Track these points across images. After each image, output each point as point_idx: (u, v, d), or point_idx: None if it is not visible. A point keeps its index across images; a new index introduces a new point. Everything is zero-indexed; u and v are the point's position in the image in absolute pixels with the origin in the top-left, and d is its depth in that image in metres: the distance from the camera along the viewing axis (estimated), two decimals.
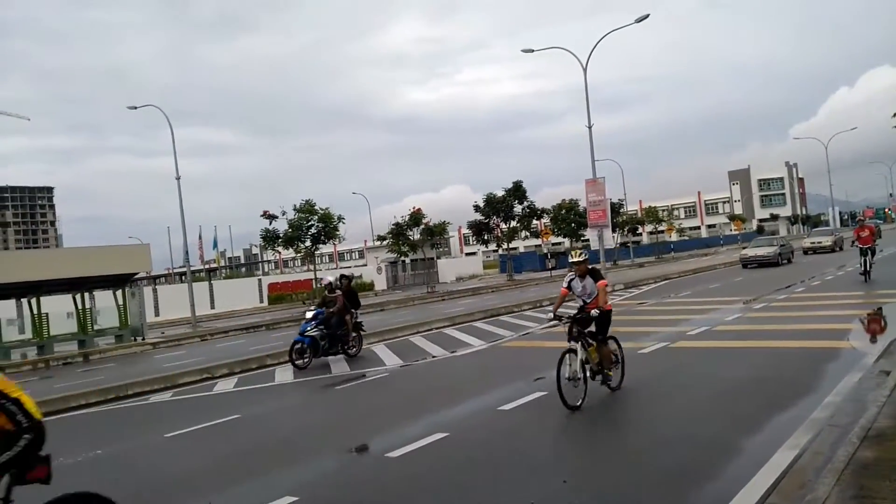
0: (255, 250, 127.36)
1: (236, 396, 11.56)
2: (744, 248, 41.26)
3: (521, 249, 79.05)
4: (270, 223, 32.37)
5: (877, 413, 6.04)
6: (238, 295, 45.15)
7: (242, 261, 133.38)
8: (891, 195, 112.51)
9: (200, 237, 47.42)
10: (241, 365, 14.45)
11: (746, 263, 32.75)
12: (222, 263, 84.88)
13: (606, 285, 8.92)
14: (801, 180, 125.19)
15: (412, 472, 6.11)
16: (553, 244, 59.97)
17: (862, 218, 27.93)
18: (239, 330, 26.53)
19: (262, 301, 46.03)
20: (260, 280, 49.92)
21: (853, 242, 20.22)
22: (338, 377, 12.23)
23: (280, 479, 6.43)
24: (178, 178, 30.72)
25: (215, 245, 58.84)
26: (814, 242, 39.74)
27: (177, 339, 25.31)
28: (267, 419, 9.40)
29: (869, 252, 19.46)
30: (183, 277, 48.77)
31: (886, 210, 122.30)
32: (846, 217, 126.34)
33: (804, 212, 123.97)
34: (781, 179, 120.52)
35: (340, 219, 32.67)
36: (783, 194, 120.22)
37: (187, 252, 33.56)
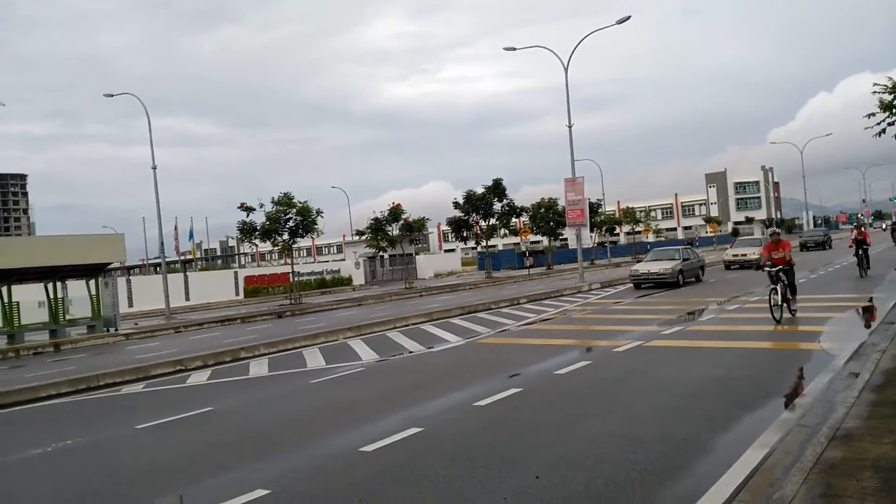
0: (232, 243, 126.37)
1: (209, 389, 11.46)
2: (638, 260, 36.20)
3: (500, 247, 79.39)
4: (248, 215, 32.00)
5: (845, 414, 6.14)
6: (214, 287, 44.74)
7: (219, 253, 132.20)
8: (863, 201, 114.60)
9: (176, 228, 46.80)
10: (215, 357, 14.32)
11: (639, 283, 25.65)
12: (198, 255, 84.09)
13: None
14: (776, 184, 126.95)
15: (385, 467, 6.10)
16: (532, 242, 60.26)
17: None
18: (214, 322, 26.28)
19: (238, 294, 45.65)
20: (236, 272, 49.44)
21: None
22: (313, 371, 12.17)
23: (252, 472, 6.38)
24: (154, 168, 30.33)
25: (191, 236, 58.19)
26: (736, 255, 32.81)
27: (150, 330, 25.01)
28: (240, 412, 9.33)
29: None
30: (158, 269, 48.25)
31: (859, 216, 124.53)
32: (820, 221, 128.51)
33: (779, 216, 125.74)
34: (757, 183, 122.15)
35: (319, 212, 32.40)
36: (758, 198, 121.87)
37: (162, 243, 33.17)
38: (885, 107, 11.23)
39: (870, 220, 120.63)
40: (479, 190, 46.71)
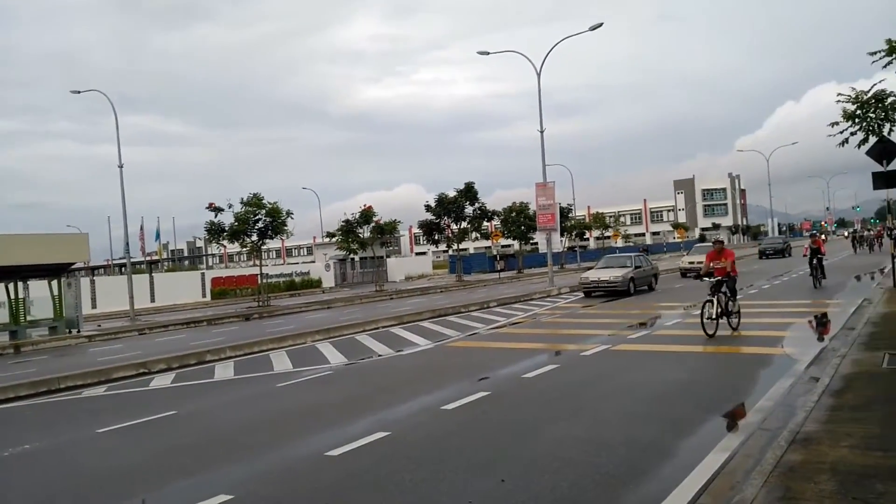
0: (200, 243, 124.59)
1: (173, 392, 11.28)
2: (588, 268, 33.50)
3: (472, 250, 79.56)
4: (216, 216, 31.58)
5: (805, 418, 6.26)
6: (180, 288, 44.08)
7: (186, 254, 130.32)
8: (827, 209, 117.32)
9: (142, 228, 46.09)
10: (180, 360, 14.11)
11: (589, 291, 24.43)
12: (165, 256, 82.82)
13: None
14: (742, 191, 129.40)
15: (351, 471, 6.06)
16: (503, 246, 60.40)
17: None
18: (179, 324, 25.89)
19: (204, 295, 45.03)
20: (203, 274, 48.78)
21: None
22: (280, 374, 12.05)
23: (216, 476, 6.30)
24: (120, 167, 29.81)
25: (158, 237, 57.32)
26: (693, 262, 30.95)
27: (114, 332, 24.54)
28: (204, 416, 9.20)
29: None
30: (123, 269, 47.41)
31: (823, 223, 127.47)
32: (784, 229, 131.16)
33: (745, 222, 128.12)
34: (724, 190, 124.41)
35: (289, 214, 32.13)
36: (725, 204, 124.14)
37: (128, 243, 32.58)
38: (849, 116, 11.52)
39: (833, 228, 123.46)
40: (452, 193, 46.81)
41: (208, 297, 44.79)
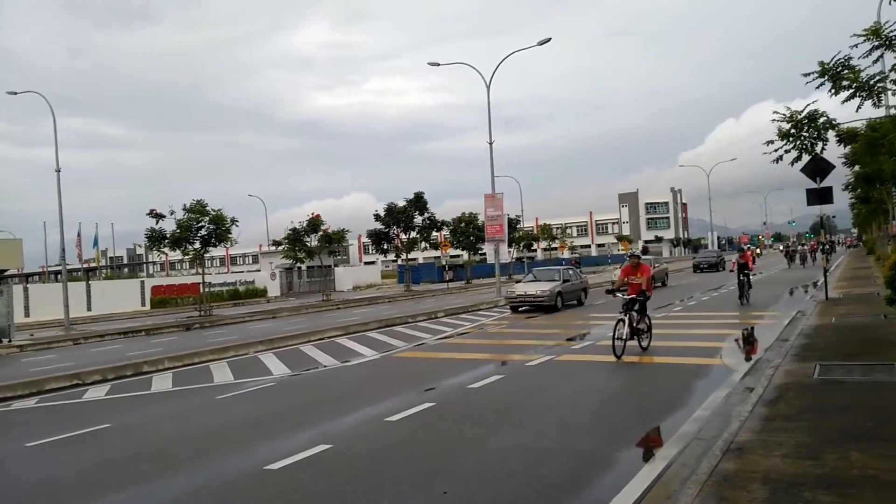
0: (140, 251, 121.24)
1: (108, 404, 10.89)
2: (517, 281, 32.19)
3: (421, 260, 79.47)
4: (157, 222, 30.75)
5: (739, 427, 6.44)
6: (118, 297, 42.75)
7: (125, 261, 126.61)
8: (764, 223, 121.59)
9: (79, 234, 44.63)
10: (116, 371, 13.65)
11: (516, 306, 23.19)
12: (103, 263, 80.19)
13: None
14: (684, 205, 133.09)
15: (291, 485, 5.94)
16: (452, 256, 60.59)
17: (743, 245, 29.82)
18: (116, 334, 25.06)
19: (144, 304, 43.76)
20: (143, 282, 47.40)
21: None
22: (220, 386, 11.77)
23: (151, 491, 6.10)
24: (58, 171, 28.77)
25: (96, 243, 55.52)
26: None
27: (47, 341, 23.59)
28: (140, 428, 8.90)
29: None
30: (58, 276, 45.68)
31: (760, 237, 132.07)
32: (724, 242, 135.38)
33: (686, 235, 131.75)
34: (666, 204, 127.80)
35: (234, 221, 31.52)
36: (668, 218, 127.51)
37: (64, 249, 31.42)
38: (783, 135, 11.95)
39: (770, 242, 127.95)
40: (401, 203, 46.75)
41: (148, 307, 43.54)
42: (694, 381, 9.67)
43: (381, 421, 8.13)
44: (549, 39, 30.99)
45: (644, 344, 12.24)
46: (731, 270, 22.81)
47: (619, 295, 12.37)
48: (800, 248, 55.74)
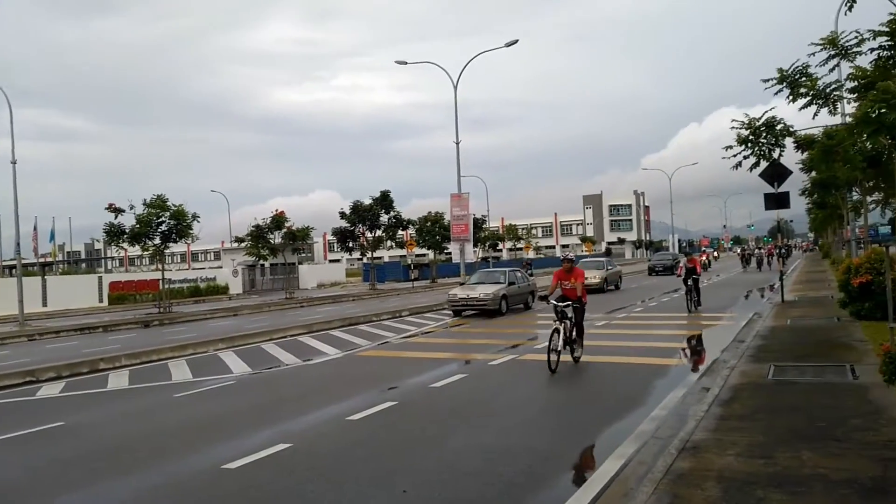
0: (99, 245, 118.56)
1: (62, 402, 10.64)
2: (461, 283, 30.04)
3: (386, 259, 79.40)
4: (116, 217, 30.02)
5: (695, 427, 6.56)
6: (75, 293, 41.70)
7: (83, 256, 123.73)
8: (724, 226, 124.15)
9: (35, 228, 43.45)
10: (71, 368, 13.33)
11: (459, 310, 21.89)
12: (60, 258, 78.28)
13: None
14: (647, 208, 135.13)
15: (249, 484, 5.87)
16: (417, 255, 60.56)
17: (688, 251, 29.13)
18: (73, 330, 24.47)
19: (102, 301, 42.76)
20: (101, 278, 46.29)
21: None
22: (178, 384, 11.58)
23: (105, 491, 5.97)
24: (13, 163, 27.96)
25: (52, 237, 54.18)
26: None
27: (0, 337, 22.91)
28: (95, 427, 8.71)
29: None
30: (12, 271, 44.37)
31: (720, 240, 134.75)
32: (685, 244, 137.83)
33: (648, 237, 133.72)
34: (630, 206, 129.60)
35: (195, 217, 30.91)
36: (630, 220, 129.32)
37: (18, 244, 30.53)
38: (742, 141, 12.19)
39: (729, 245, 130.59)
40: (367, 201, 46.50)
41: (106, 303, 42.57)
42: (654, 380, 9.81)
43: (343, 420, 8.08)
44: (517, 41, 31.18)
45: (577, 354, 11.25)
46: (679, 275, 20.69)
47: (553, 302, 11.17)
48: (756, 251, 56.40)
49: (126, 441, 7.84)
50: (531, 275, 28.94)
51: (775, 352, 10.90)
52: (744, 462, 5.42)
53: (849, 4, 8.76)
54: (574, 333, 11.15)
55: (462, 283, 26.74)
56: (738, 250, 78.49)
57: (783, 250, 35.43)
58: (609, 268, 31.82)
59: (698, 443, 6.02)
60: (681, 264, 21.30)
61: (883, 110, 8.12)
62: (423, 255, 70.25)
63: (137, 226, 29.82)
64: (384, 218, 46.88)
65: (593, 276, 28.67)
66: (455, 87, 31.96)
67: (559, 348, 10.55)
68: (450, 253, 59.14)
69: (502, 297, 21.68)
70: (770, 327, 14.14)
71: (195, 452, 7.07)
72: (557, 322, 10.79)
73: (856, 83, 9.43)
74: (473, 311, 21.71)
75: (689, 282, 19.63)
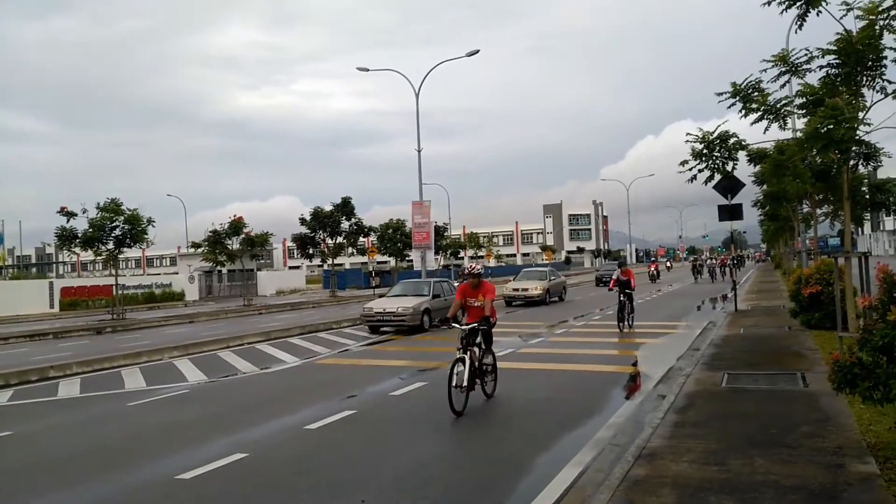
0: (50, 250, 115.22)
1: (10, 411, 10.29)
2: (380, 294, 28.91)
3: (347, 266, 78.77)
4: (68, 221, 29.21)
5: (651, 434, 6.65)
6: (24, 298, 40.44)
7: (34, 260, 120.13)
8: (680, 237, 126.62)
9: None
10: (20, 376, 12.91)
11: (375, 326, 19.65)
12: (9, 262, 75.82)
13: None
14: (605, 218, 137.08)
15: (203, 495, 5.75)
16: (379, 262, 60.28)
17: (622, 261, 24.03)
18: (21, 337, 23.69)
19: (53, 306, 41.56)
20: (52, 283, 45.00)
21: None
22: (131, 392, 11.29)
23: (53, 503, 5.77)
24: None
25: (1, 241, 52.44)
26: (517, 289, 27.27)
27: None
28: (44, 437, 8.43)
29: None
30: None
31: (676, 250, 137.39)
32: (642, 254, 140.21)
33: (606, 247, 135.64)
34: (588, 216, 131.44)
35: (150, 221, 30.23)
36: (589, 229, 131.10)
37: None
38: (696, 155, 12.43)
39: (684, 255, 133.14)
40: (328, 207, 46.18)
41: (57, 308, 41.39)
42: (612, 388, 9.92)
43: (300, 429, 7.98)
44: (478, 51, 31.40)
45: (489, 389, 9.31)
46: (611, 289, 17.88)
47: (456, 326, 9.21)
48: (708, 261, 53.99)
49: (76, 451, 7.61)
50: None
51: (729, 360, 11.14)
52: (698, 469, 5.52)
53: (799, 23, 9.04)
54: (486, 361, 9.29)
55: (381, 295, 24.15)
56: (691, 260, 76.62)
57: (734, 261, 35.75)
58: (552, 278, 30.01)
59: (654, 450, 6.10)
60: (613, 276, 18.18)
61: (831, 126, 8.38)
62: (385, 262, 69.98)
63: (90, 230, 29.05)
64: (345, 224, 46.64)
65: (534, 287, 27.93)
66: (417, 95, 32.02)
67: (465, 384, 8.42)
68: (411, 260, 59.07)
69: (424, 311, 19.08)
70: (724, 336, 14.45)
71: (148, 463, 6.90)
72: (461, 350, 8.73)
73: (805, 99, 9.72)
74: (390, 328, 19.25)
75: (622, 296, 17.39)
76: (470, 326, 9.05)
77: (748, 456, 5.79)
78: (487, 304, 9.26)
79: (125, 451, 7.55)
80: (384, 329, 19.61)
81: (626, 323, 17.43)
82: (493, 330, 9.49)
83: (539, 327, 19.16)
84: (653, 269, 47.60)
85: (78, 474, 6.67)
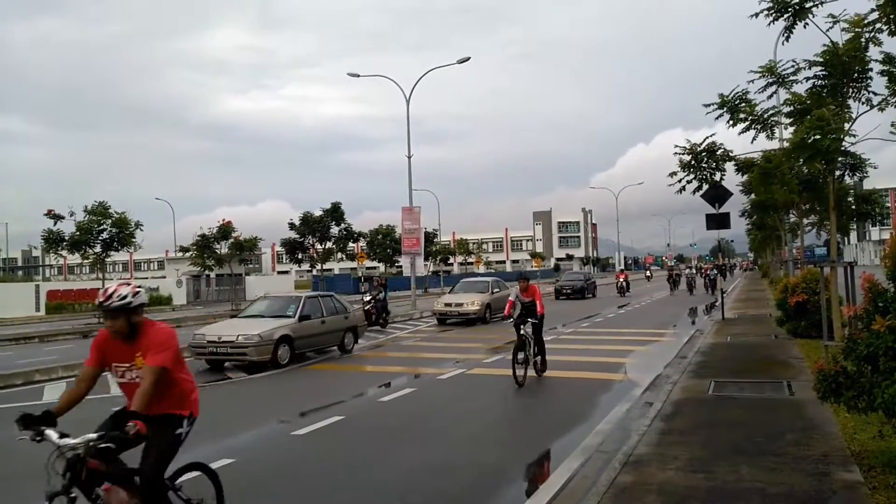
0: (36, 253, 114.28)
1: None
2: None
3: (337, 271, 78.60)
4: (55, 224, 29.01)
5: (637, 441, 6.68)
6: (10, 301, 40.05)
7: (20, 263, 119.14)
8: (668, 245, 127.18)
9: None
10: (4, 380, 12.78)
11: (215, 362, 14.11)
12: None
13: None
14: (594, 225, 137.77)
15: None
16: (368, 268, 60.23)
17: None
18: (7, 340, 23.47)
19: (39, 310, 41.20)
20: (38, 286, 44.62)
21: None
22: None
23: None
24: None
25: None
26: (450, 304, 23.09)
27: None
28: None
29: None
30: None
31: (664, 258, 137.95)
32: (630, 262, 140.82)
33: (595, 254, 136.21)
34: (578, 223, 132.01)
35: (138, 225, 30.09)
36: (578, 237, 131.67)
37: None
38: (684, 166, 12.51)
39: (672, 263, 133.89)
40: (318, 212, 46.11)
41: (43, 312, 41.03)
42: (600, 395, 9.95)
43: (288, 435, 7.96)
44: (469, 58, 31.49)
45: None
46: (506, 317, 12.46)
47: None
48: (687, 271, 48.24)
49: None
50: (381, 299, 22.74)
51: (716, 368, 11.21)
52: (684, 476, 5.55)
53: (786, 35, 9.14)
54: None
55: (233, 316, 19.71)
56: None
57: (715, 272, 34.58)
58: (496, 290, 24.39)
59: (641, 457, 6.13)
60: (510, 298, 11.86)
61: (818, 136, 8.48)
62: (374, 267, 69.97)
63: (77, 233, 28.86)
64: (335, 230, 46.55)
65: (471, 302, 22.86)
66: (408, 102, 32.07)
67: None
68: (401, 266, 59.08)
69: (280, 339, 13.83)
70: (711, 344, 14.53)
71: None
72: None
73: (792, 109, 9.82)
74: (235, 364, 14.02)
75: (522, 330, 11.08)
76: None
77: (734, 463, 5.82)
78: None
79: None
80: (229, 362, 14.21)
81: (529, 366, 11.03)
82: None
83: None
84: (621, 279, 40.07)
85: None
